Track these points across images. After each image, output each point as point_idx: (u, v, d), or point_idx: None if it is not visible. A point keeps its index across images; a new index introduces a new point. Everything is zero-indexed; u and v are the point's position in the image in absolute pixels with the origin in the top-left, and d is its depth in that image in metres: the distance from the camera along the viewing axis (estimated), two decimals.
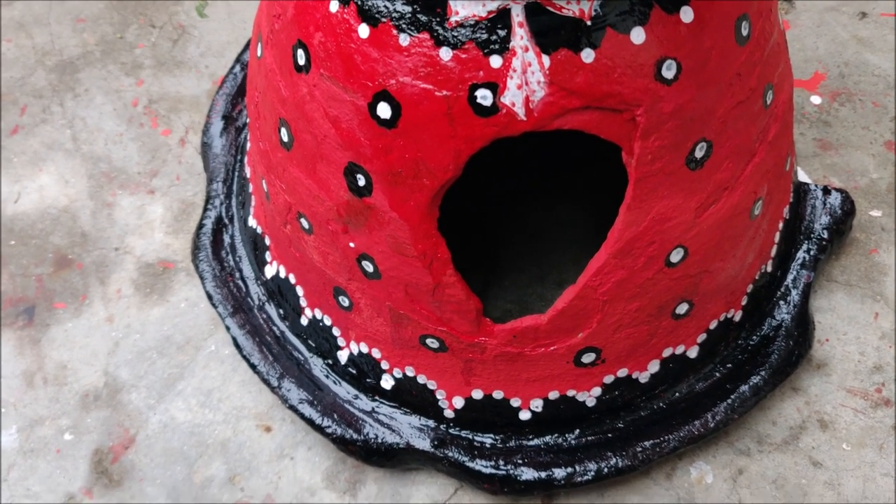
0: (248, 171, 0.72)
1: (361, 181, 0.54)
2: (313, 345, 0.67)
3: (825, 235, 0.70)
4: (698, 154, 0.53)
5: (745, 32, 0.53)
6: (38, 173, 0.83)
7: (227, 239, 0.74)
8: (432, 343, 0.59)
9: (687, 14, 0.49)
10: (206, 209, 0.75)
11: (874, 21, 0.87)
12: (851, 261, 0.74)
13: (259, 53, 0.61)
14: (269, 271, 0.69)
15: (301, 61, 0.54)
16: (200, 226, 0.74)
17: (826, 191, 0.71)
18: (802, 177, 0.77)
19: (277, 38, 0.57)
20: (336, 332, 0.64)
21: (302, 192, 0.58)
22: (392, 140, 0.51)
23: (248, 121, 0.79)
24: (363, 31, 0.50)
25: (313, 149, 0.56)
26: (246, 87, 0.68)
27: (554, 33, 0.47)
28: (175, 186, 0.81)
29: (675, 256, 0.56)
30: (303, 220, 0.60)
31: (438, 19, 0.48)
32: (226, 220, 0.74)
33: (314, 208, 0.58)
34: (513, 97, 0.48)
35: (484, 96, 0.49)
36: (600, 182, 0.73)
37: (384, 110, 0.51)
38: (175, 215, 0.80)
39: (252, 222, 0.71)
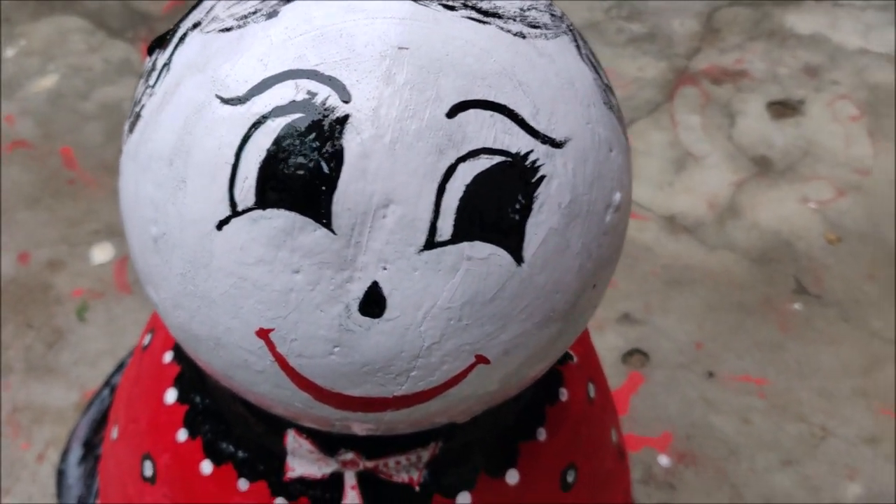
0: None
1: None
2: None
3: None
4: None
5: (570, 479, 0.57)
6: None
7: None
8: None
9: (513, 476, 0.53)
10: None
11: (720, 382, 0.93)
12: None
13: (114, 436, 0.62)
14: None
15: (148, 473, 0.56)
16: None
17: None
18: None
19: (129, 441, 0.58)
20: None
21: None
22: None
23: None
24: (206, 466, 0.52)
25: None
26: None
27: (384, 498, 0.50)
28: None
29: None
30: None
31: (276, 473, 0.51)
32: None
33: None
34: None
35: None
36: None
37: None
38: None
39: None
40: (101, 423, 0.82)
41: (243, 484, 0.51)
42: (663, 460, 0.87)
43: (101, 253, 0.98)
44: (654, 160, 1.10)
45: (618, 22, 1.25)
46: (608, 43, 1.21)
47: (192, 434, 0.53)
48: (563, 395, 0.56)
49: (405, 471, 0.50)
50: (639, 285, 1.00)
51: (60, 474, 0.79)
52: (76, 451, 0.80)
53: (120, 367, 0.86)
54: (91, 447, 0.80)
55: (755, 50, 1.26)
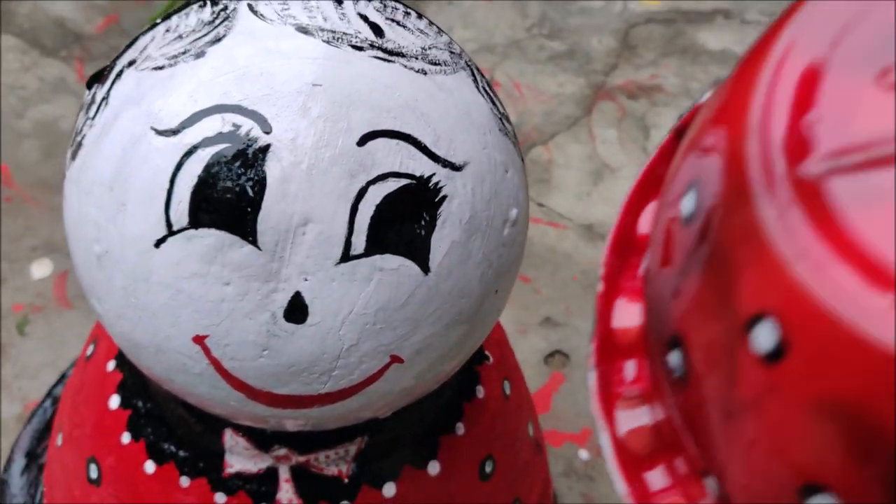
0: None
1: None
2: None
3: None
4: None
5: (488, 470, 0.62)
6: None
7: None
8: None
9: (434, 467, 0.58)
10: None
11: None
12: None
13: (59, 442, 0.66)
14: None
15: (93, 475, 0.59)
16: None
17: None
18: None
19: (75, 446, 0.62)
20: None
21: None
22: None
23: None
24: (149, 466, 0.56)
25: None
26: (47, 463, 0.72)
27: (315, 490, 0.55)
28: None
29: None
30: None
31: (215, 469, 0.55)
32: None
33: None
34: None
35: None
36: None
37: None
38: None
39: None
40: (43, 434, 0.85)
41: (185, 481, 0.55)
42: (583, 454, 0.93)
43: (41, 268, 1.01)
44: (573, 172, 1.16)
45: (539, 40, 1.31)
46: (530, 60, 1.27)
47: (136, 437, 0.57)
48: (480, 392, 0.61)
49: (335, 464, 0.54)
50: (560, 290, 1.06)
51: (3, 484, 0.82)
52: (19, 462, 0.83)
53: (61, 378, 0.89)
54: (34, 457, 0.83)
55: (669, 66, 1.33)
